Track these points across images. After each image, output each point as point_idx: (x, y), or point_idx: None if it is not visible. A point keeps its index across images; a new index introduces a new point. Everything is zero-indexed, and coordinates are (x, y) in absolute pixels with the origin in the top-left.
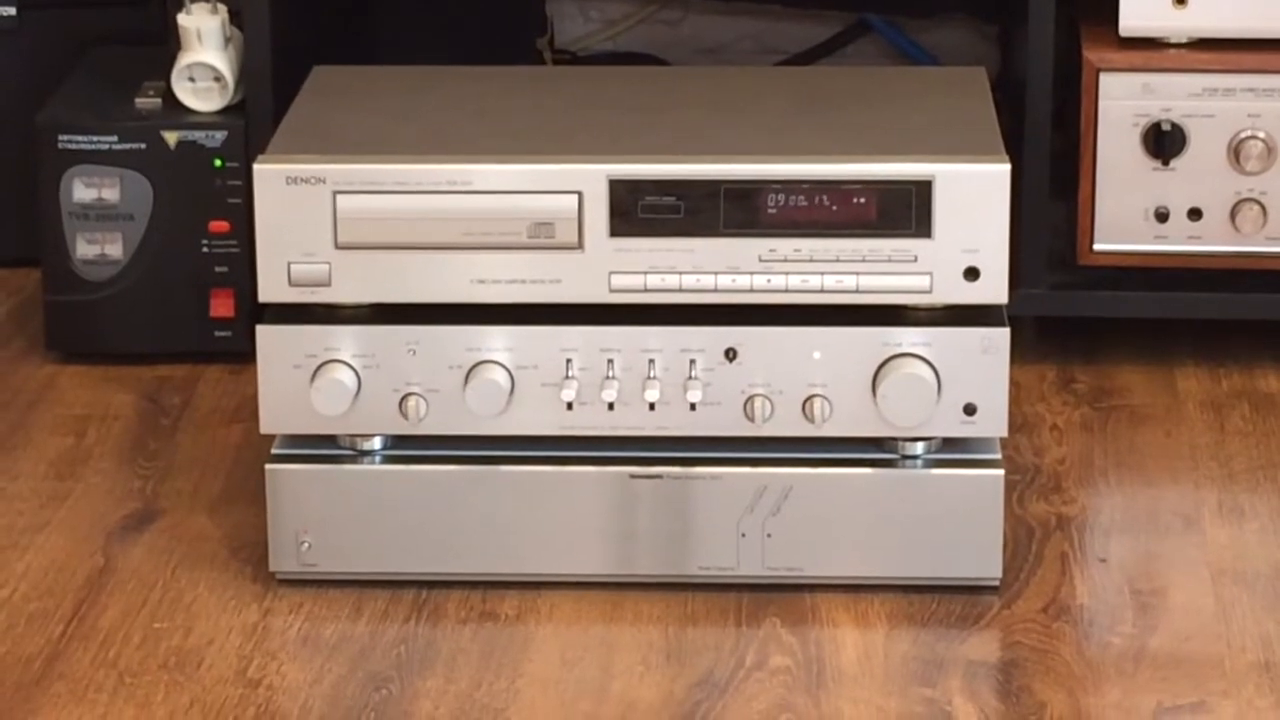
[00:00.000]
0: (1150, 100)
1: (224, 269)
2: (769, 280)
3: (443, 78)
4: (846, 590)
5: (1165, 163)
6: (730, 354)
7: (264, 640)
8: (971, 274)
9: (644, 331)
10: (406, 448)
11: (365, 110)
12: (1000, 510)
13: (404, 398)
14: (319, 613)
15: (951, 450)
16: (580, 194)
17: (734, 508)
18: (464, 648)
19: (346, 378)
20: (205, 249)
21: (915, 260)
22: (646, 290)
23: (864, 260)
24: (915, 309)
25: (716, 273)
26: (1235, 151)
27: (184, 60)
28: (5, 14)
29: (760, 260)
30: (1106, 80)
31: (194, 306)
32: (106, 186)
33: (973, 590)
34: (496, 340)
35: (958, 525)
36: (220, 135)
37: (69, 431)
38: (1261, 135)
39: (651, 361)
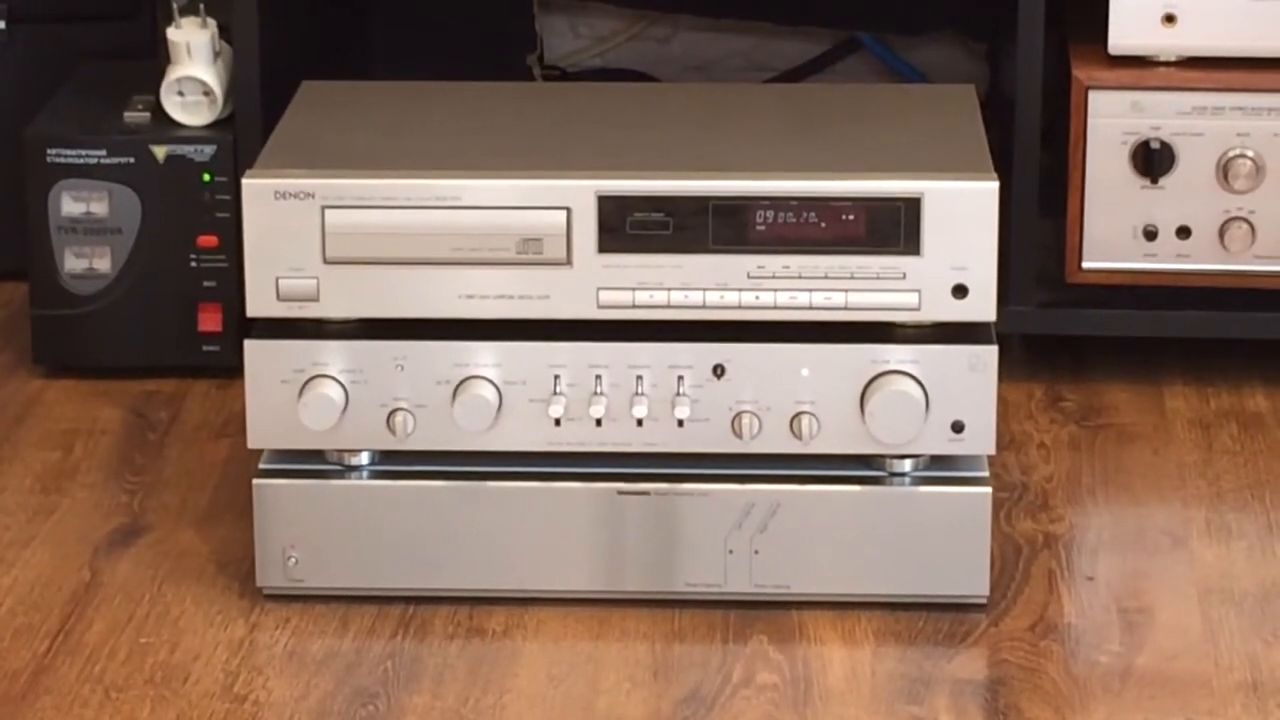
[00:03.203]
0: (1139, 118)
1: (212, 283)
2: (757, 297)
3: (432, 93)
4: (833, 607)
5: (1154, 181)
6: (718, 370)
7: (250, 655)
8: (960, 291)
9: (632, 348)
10: (394, 463)
11: (354, 125)
12: (988, 528)
13: (392, 413)
14: (306, 628)
15: (939, 468)
16: (569, 210)
17: (722, 524)
18: (451, 663)
19: (334, 393)
20: (193, 263)
21: (904, 277)
22: (635, 306)
23: (852, 277)
24: (903, 326)
25: (705, 289)
26: (1224, 170)
27: (173, 74)
28: None
29: (749, 277)
30: (1095, 98)
31: (182, 321)
32: (95, 200)
33: (960, 608)
34: (485, 356)
35: (945, 543)
36: (209, 150)
37: (55, 446)
38: (1250, 154)
39: (639, 378)
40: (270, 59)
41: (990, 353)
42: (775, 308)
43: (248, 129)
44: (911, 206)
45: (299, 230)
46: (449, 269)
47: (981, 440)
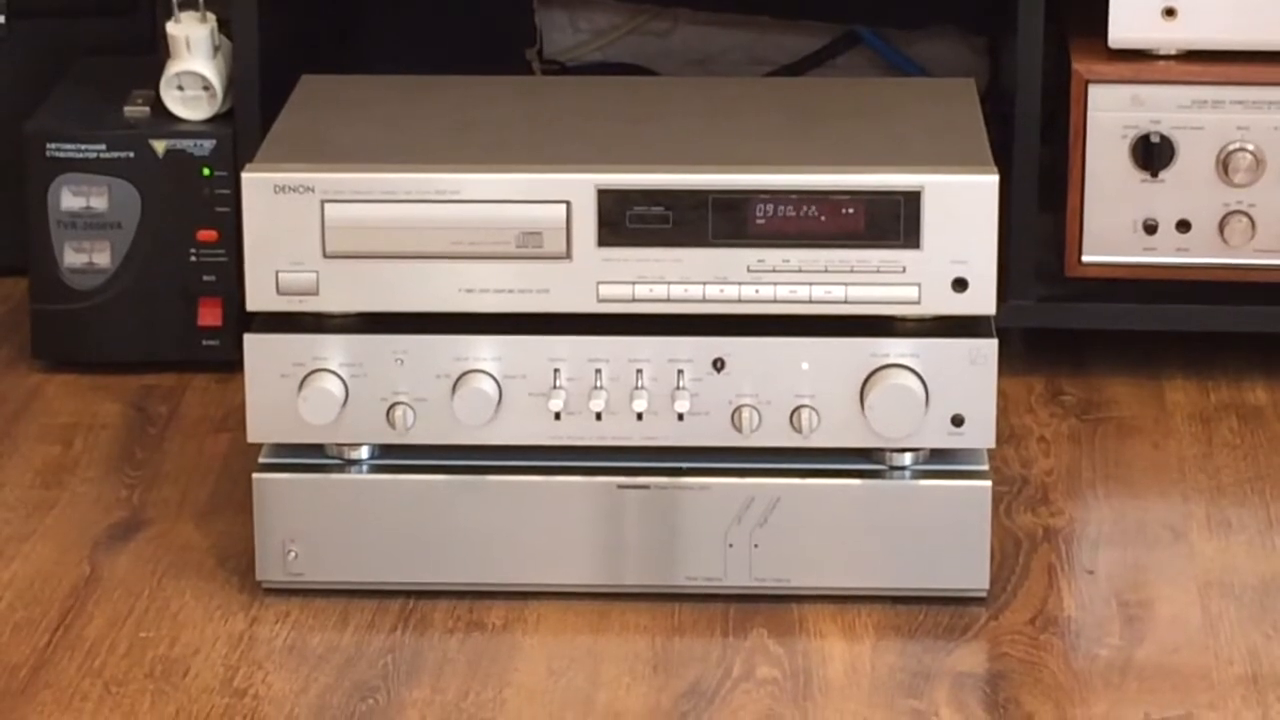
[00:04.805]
0: (1139, 112)
1: (212, 278)
2: (757, 290)
3: (431, 87)
4: (834, 601)
5: (1154, 174)
6: (718, 364)
7: (250, 650)
8: (960, 285)
9: (632, 341)
10: (394, 457)
11: (354, 119)
12: (988, 521)
13: (391, 407)
14: (305, 622)
15: (939, 461)
16: (568, 204)
17: (721, 518)
18: (451, 658)
19: (334, 387)
20: (193, 258)
21: (903, 271)
22: (634, 300)
23: (852, 271)
24: (903, 320)
25: (704, 283)
26: (1224, 164)
27: (172, 69)
28: None
29: (748, 270)
30: (1095, 92)
31: (181, 315)
32: (95, 195)
33: (960, 601)
34: (484, 350)
35: (945, 536)
36: (208, 144)
37: (55, 440)
38: (1250, 147)
39: (639, 371)
40: (269, 53)
41: (990, 346)
42: (775, 301)
43: (247, 123)
44: (911, 200)
45: (299, 224)
46: (449, 263)
47: (981, 434)
